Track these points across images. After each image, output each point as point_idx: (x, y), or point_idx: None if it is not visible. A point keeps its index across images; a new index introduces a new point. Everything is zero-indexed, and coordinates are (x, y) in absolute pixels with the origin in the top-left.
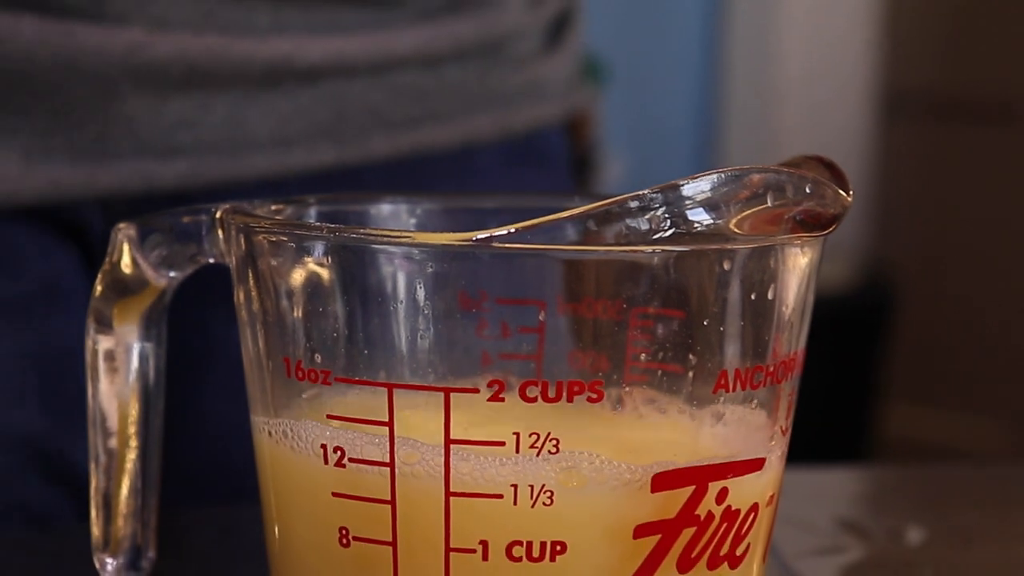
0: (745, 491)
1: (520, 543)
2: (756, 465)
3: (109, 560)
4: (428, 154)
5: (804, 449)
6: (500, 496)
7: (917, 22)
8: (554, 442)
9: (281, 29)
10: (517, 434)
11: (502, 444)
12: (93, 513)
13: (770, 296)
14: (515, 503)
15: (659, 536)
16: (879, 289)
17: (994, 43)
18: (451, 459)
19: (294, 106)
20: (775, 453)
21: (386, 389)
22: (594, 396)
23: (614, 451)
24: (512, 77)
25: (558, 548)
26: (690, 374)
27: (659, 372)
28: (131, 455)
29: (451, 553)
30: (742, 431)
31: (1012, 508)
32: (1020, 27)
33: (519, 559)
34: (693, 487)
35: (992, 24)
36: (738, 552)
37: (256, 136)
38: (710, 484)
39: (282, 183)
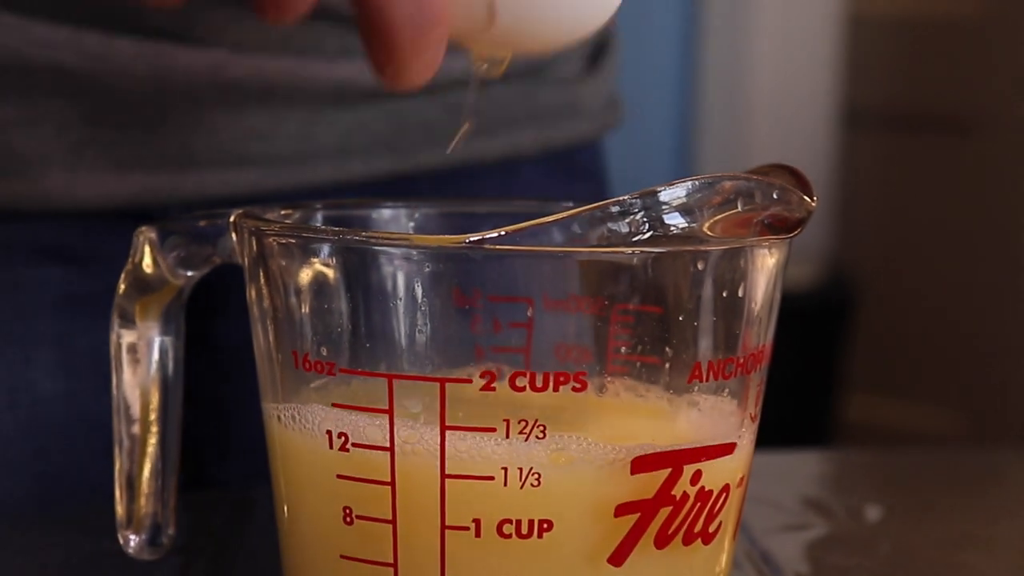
0: (717, 473)
1: (510, 521)
2: (728, 449)
3: (132, 536)
4: (475, 165)
5: (772, 434)
6: (491, 478)
7: (875, 43)
8: (541, 428)
9: (348, 53)
10: (507, 421)
11: (493, 430)
12: (117, 494)
13: (740, 294)
14: (505, 484)
15: (638, 515)
16: (841, 288)
17: (945, 62)
18: (446, 444)
19: (356, 121)
20: (745, 438)
21: (386, 379)
22: (578, 386)
23: (597, 436)
24: (553, 97)
25: (545, 526)
26: (667, 365)
27: (638, 364)
28: (152, 440)
29: (446, 530)
30: (715, 418)
31: (962, 488)
32: (969, 47)
33: (509, 536)
34: (669, 469)
35: (943, 44)
36: (711, 529)
37: (321, 148)
38: (685, 467)
39: (341, 190)
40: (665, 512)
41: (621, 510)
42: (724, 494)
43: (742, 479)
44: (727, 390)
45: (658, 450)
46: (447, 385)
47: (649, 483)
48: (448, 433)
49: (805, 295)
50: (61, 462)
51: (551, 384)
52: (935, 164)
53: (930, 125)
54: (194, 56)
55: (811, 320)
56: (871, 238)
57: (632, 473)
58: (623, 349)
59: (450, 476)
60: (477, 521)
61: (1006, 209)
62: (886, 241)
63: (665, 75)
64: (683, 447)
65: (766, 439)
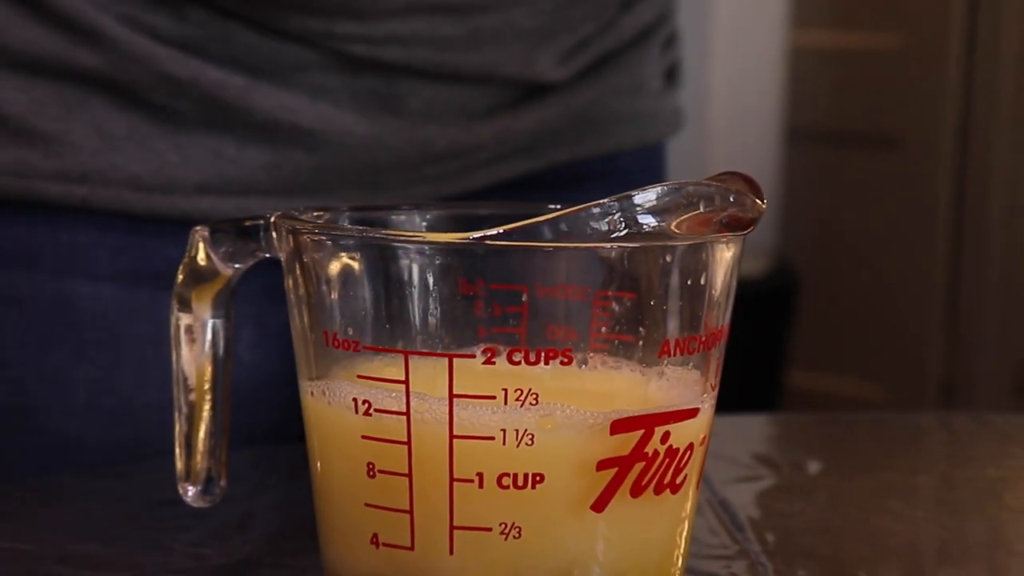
0: (683, 433)
1: (508, 474)
2: (692, 413)
3: (190, 488)
4: (587, 160)
5: (729, 401)
6: (492, 438)
7: (813, 71)
8: (534, 396)
9: None
10: (505, 390)
11: (493, 398)
12: (177, 452)
13: (702, 282)
14: (504, 443)
15: (616, 469)
16: (785, 278)
17: (873, 86)
18: (454, 409)
19: (507, 131)
20: (706, 404)
21: (403, 355)
22: (566, 360)
23: (581, 402)
24: (648, 105)
25: (537, 478)
26: (640, 343)
27: (616, 341)
28: (206, 407)
29: (454, 482)
30: (681, 387)
31: (886, 445)
32: (893, 74)
33: (507, 487)
34: (643, 431)
35: (872, 71)
36: (678, 481)
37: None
38: (656, 428)
39: (493, 189)
40: (639, 467)
41: (602, 465)
42: (689, 451)
43: (704, 438)
44: (691, 363)
45: (633, 414)
46: (454, 360)
47: (625, 442)
48: (455, 400)
49: (756, 284)
50: (247, 418)
51: (542, 359)
52: (864, 173)
53: (859, 140)
54: (411, 133)
55: (761, 305)
56: (811, 236)
57: (611, 434)
58: (603, 329)
59: (457, 437)
60: (480, 474)
61: (923, 211)
62: (823, 239)
63: None
64: (654, 412)
65: (724, 405)
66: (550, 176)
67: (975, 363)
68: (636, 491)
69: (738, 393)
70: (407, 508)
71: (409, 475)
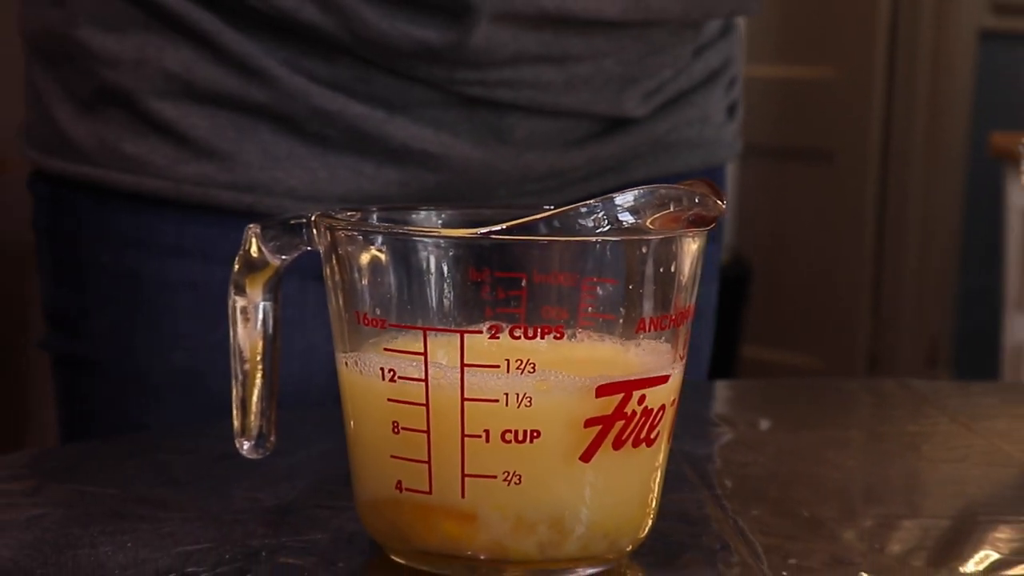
0: (656, 396)
1: (510, 431)
2: (663, 380)
3: (245, 442)
4: (662, 178)
5: (694, 372)
6: (497, 400)
7: (763, 96)
8: (532, 365)
9: None
10: (508, 360)
11: (498, 366)
12: (234, 413)
13: (672, 270)
14: (506, 404)
15: (600, 426)
16: (740, 268)
17: (812, 110)
18: (465, 376)
19: (596, 156)
20: (676, 372)
21: (422, 331)
22: (558, 335)
23: (571, 370)
24: (712, 134)
25: (534, 434)
26: (620, 320)
27: (600, 319)
28: (258, 375)
29: (465, 438)
30: (655, 357)
31: (824, 406)
32: (829, 99)
33: (509, 441)
34: (623, 393)
35: (811, 97)
36: (652, 436)
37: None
38: (634, 391)
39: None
40: (620, 424)
41: (589, 423)
42: (661, 411)
43: (674, 400)
44: (663, 338)
45: (615, 380)
46: (465, 336)
47: (608, 403)
48: (466, 369)
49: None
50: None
51: (539, 334)
52: (804, 182)
53: (800, 155)
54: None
55: (721, 290)
56: (761, 235)
57: (596, 396)
58: (590, 309)
59: (467, 399)
60: (487, 431)
61: (853, 214)
62: (771, 237)
63: None
64: (632, 378)
65: (691, 374)
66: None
67: (895, 339)
68: (617, 444)
69: (701, 365)
70: (426, 459)
71: (427, 431)
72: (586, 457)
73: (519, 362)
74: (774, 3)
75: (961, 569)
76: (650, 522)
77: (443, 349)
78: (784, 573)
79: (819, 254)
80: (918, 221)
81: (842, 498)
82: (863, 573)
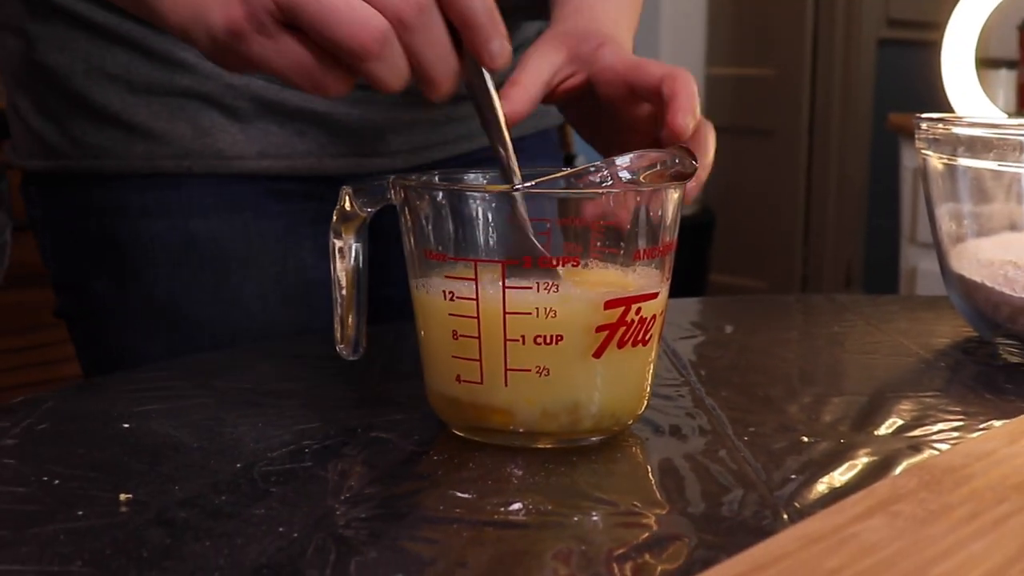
0: (649, 308)
1: (541, 336)
2: (654, 296)
3: (343, 347)
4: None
5: (675, 291)
6: (531, 313)
7: (721, 89)
8: (556, 285)
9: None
10: (538, 283)
11: (531, 288)
12: (336, 326)
13: (660, 213)
14: (537, 316)
15: (608, 331)
16: (707, 216)
17: (758, 99)
18: (506, 295)
19: (454, 112)
20: (663, 290)
21: (473, 263)
22: (575, 264)
23: (586, 288)
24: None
25: (559, 338)
26: (622, 252)
27: (607, 251)
28: (351, 298)
29: (507, 342)
30: (647, 279)
31: (771, 315)
32: (771, 91)
33: (540, 343)
34: (624, 306)
35: (757, 90)
36: (646, 338)
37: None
38: (632, 304)
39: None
40: (623, 329)
41: (599, 329)
42: (653, 319)
43: (662, 311)
44: (654, 264)
45: (618, 296)
46: (506, 265)
47: (614, 314)
48: (507, 290)
49: (689, 220)
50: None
51: (560, 263)
52: (753, 152)
53: (749, 132)
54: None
55: (693, 233)
56: (721, 191)
57: (604, 308)
58: (599, 244)
59: (509, 313)
60: (523, 336)
61: (789, 175)
62: (729, 192)
63: None
64: (631, 295)
65: (673, 293)
66: (483, 154)
67: (820, 266)
68: (621, 344)
69: (680, 286)
70: (477, 358)
71: (479, 337)
72: (597, 354)
73: (547, 284)
74: (728, 21)
75: (875, 432)
76: (645, 403)
77: (489, 275)
78: (745, 438)
79: (764, 205)
80: (836, 179)
81: (786, 382)
82: (803, 436)
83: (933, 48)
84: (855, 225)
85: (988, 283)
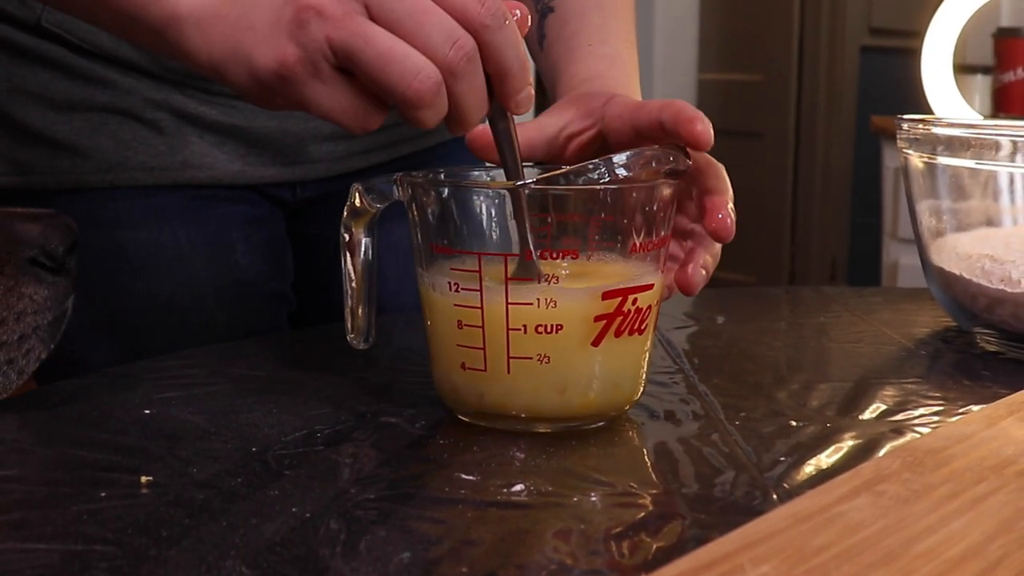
0: (644, 299)
1: (542, 325)
2: (649, 287)
3: (353, 337)
4: (426, 148)
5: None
6: (532, 303)
7: (712, 92)
8: (556, 278)
9: None
10: (540, 275)
11: (532, 280)
12: (346, 316)
13: (655, 208)
14: (538, 306)
15: (606, 320)
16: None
17: (747, 102)
18: (508, 287)
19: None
20: (658, 281)
21: (477, 256)
22: (574, 257)
23: (584, 280)
24: None
25: (559, 327)
26: (619, 245)
27: (605, 245)
28: (361, 291)
29: (509, 331)
30: (643, 271)
31: (760, 306)
32: (759, 95)
33: (541, 332)
34: (621, 297)
35: (746, 93)
36: (642, 327)
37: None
38: (629, 295)
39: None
40: (620, 319)
41: (598, 319)
42: (648, 310)
43: (657, 302)
44: (648, 257)
45: (616, 287)
46: (508, 258)
47: (612, 304)
48: (509, 282)
49: None
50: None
51: (560, 256)
52: (743, 153)
53: (740, 135)
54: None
55: None
56: None
57: (602, 299)
58: (597, 237)
59: (511, 303)
60: (525, 325)
61: (777, 176)
62: None
63: None
64: (628, 285)
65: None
66: (403, 163)
67: (806, 260)
68: (618, 333)
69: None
70: (481, 347)
71: (483, 327)
72: (596, 343)
73: (547, 276)
74: (719, 30)
75: (860, 417)
76: (641, 389)
77: (492, 268)
78: (736, 422)
79: (753, 204)
80: (821, 179)
81: (775, 369)
82: (792, 421)
83: (912, 55)
84: (839, 222)
85: (966, 275)
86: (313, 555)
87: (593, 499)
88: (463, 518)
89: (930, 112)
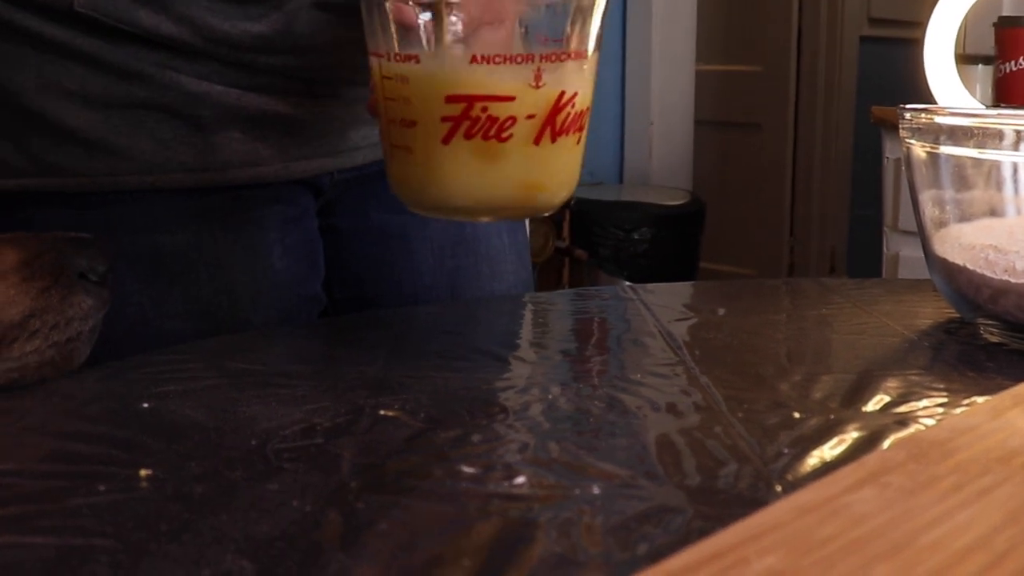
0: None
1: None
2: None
3: None
4: None
5: (668, 277)
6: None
7: (712, 83)
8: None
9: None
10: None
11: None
12: None
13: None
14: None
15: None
16: (697, 205)
17: (747, 93)
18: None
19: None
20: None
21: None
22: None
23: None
24: None
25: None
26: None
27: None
28: None
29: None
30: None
31: (760, 299)
32: (759, 85)
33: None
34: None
35: (746, 84)
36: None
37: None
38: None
39: None
40: (467, 123)
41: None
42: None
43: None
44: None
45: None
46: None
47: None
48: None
49: (679, 209)
50: None
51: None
52: (741, 145)
53: (738, 126)
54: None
55: (683, 222)
56: (711, 181)
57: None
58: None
59: (387, 99)
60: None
61: (775, 167)
62: (719, 183)
63: (607, 102)
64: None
65: (665, 279)
66: None
67: (806, 253)
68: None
69: (673, 272)
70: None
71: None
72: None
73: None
74: (717, 21)
75: (864, 408)
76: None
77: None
78: (739, 414)
79: (752, 196)
80: (820, 170)
81: (777, 361)
82: (795, 413)
83: (912, 45)
84: (839, 214)
85: (969, 266)
86: (314, 548)
87: (596, 491)
88: (465, 510)
89: (931, 102)
